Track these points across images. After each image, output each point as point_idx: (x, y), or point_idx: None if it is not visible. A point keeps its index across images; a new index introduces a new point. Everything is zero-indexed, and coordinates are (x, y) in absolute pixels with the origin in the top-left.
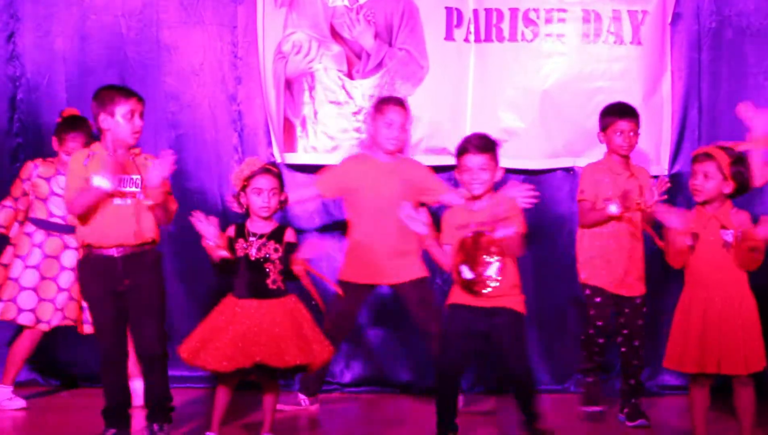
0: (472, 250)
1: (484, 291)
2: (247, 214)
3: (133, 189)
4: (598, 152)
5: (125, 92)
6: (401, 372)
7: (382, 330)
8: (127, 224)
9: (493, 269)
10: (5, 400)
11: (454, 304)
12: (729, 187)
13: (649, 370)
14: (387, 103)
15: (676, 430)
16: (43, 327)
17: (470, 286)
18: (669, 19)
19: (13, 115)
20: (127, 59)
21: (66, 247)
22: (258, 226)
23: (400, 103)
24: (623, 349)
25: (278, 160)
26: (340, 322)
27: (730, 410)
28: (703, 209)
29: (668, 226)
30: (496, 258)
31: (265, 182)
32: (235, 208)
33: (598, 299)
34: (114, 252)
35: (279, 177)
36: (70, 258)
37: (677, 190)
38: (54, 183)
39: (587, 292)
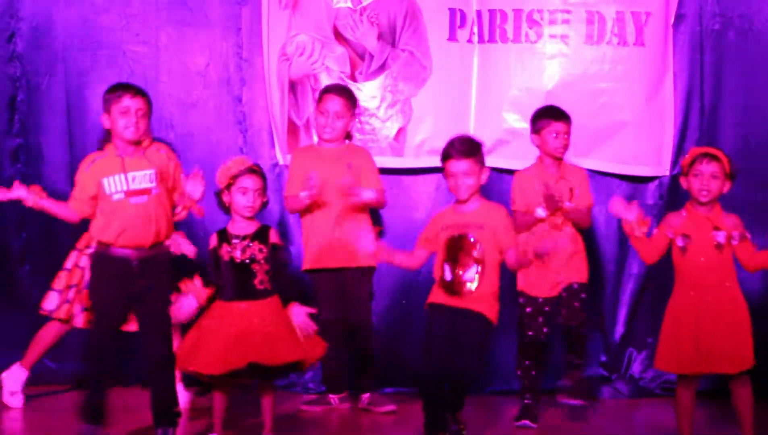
0: (455, 251)
1: (461, 291)
2: (228, 214)
3: (147, 184)
4: (602, 152)
5: (120, 89)
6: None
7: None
8: (145, 223)
9: (471, 272)
10: (9, 392)
11: (433, 303)
12: (727, 188)
13: (653, 371)
14: (324, 92)
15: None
16: (78, 323)
17: (450, 286)
18: (672, 21)
19: (14, 115)
20: (127, 60)
21: None
22: (240, 226)
23: (336, 90)
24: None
25: (281, 161)
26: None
27: (724, 414)
28: (695, 211)
29: (624, 220)
30: (476, 263)
31: (250, 182)
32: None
33: (528, 309)
34: (130, 253)
35: (264, 178)
36: None
37: (678, 191)
38: None
39: (521, 299)
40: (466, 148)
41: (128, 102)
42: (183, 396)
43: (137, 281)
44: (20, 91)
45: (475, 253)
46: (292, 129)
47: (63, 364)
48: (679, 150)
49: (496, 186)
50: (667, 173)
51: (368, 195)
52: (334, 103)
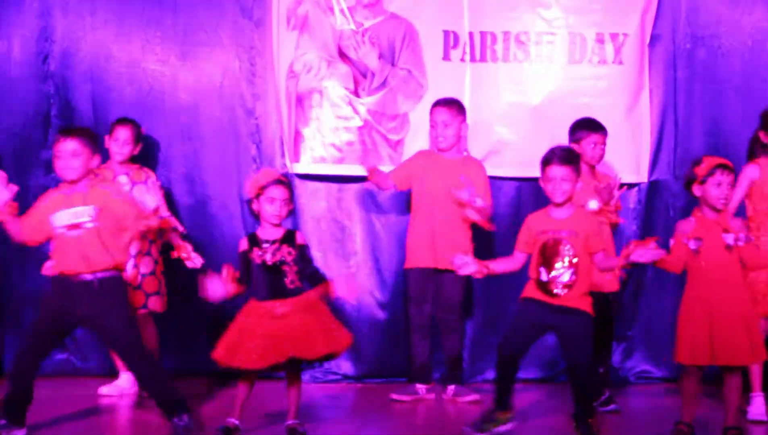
0: (550, 255)
1: (555, 291)
2: (257, 220)
3: (84, 219)
4: None
5: (59, 132)
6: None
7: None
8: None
9: (567, 276)
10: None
11: (527, 297)
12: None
13: (631, 361)
14: (432, 105)
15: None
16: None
17: (545, 287)
18: (647, 41)
19: (47, 129)
20: (147, 77)
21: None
22: (269, 232)
23: (442, 102)
24: None
25: (290, 170)
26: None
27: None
28: (705, 216)
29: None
30: (571, 267)
31: (278, 192)
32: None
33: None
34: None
35: (290, 188)
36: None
37: (655, 196)
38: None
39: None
40: (566, 155)
41: (60, 146)
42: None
43: (81, 305)
44: (53, 107)
45: (569, 258)
46: (299, 139)
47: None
48: (655, 159)
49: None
50: (646, 180)
51: (479, 204)
52: (441, 114)
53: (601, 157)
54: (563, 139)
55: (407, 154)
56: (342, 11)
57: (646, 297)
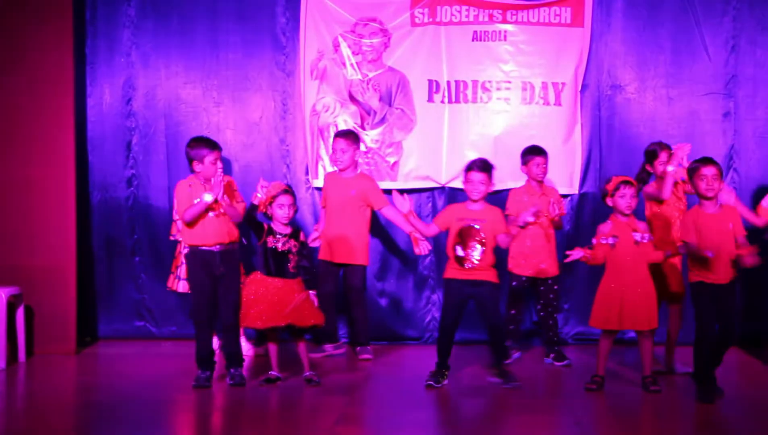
0: (464, 236)
1: (467, 266)
2: (271, 220)
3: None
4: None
5: (209, 144)
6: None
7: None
8: (220, 228)
9: (476, 252)
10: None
11: (449, 278)
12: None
13: (567, 327)
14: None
15: (591, 366)
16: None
17: (460, 261)
18: (579, 88)
19: (129, 154)
20: (207, 114)
21: None
22: (280, 228)
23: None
24: (542, 314)
25: (312, 184)
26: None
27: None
28: (618, 219)
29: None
30: (480, 244)
31: (285, 200)
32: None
33: (514, 283)
34: (214, 248)
35: (294, 195)
36: None
37: (584, 204)
38: None
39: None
40: (483, 165)
41: (216, 154)
42: (246, 347)
43: (219, 267)
44: (134, 136)
45: (480, 238)
46: (318, 161)
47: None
48: (584, 176)
49: (460, 199)
50: (577, 192)
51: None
52: (340, 143)
53: (545, 173)
54: (518, 161)
55: (401, 172)
56: (352, 65)
57: (580, 279)
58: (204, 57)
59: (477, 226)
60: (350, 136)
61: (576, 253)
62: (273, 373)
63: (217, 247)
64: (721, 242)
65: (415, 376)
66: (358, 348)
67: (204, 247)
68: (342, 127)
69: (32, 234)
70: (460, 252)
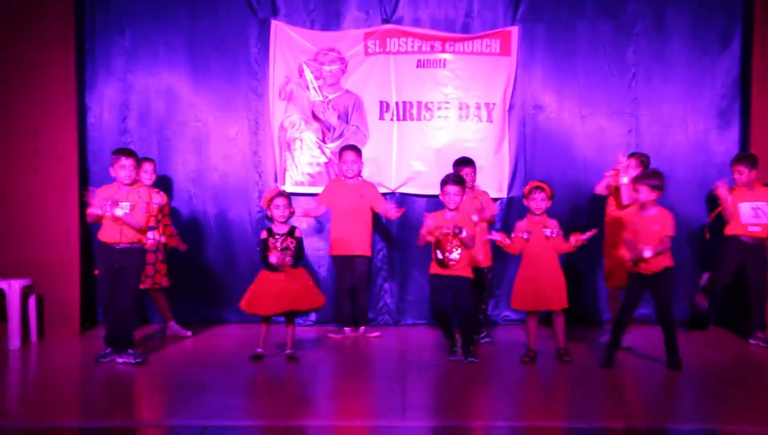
0: (443, 241)
1: (451, 265)
2: (271, 221)
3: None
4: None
5: (124, 153)
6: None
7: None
8: (119, 230)
9: (455, 254)
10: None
11: (432, 274)
12: (548, 205)
13: (498, 311)
14: (344, 150)
15: (519, 343)
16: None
17: (442, 263)
18: (507, 108)
19: None
20: (191, 130)
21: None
22: (279, 228)
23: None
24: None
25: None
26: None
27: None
28: (533, 218)
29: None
30: (457, 248)
31: (281, 202)
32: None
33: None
34: (115, 245)
35: (288, 198)
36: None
37: (512, 206)
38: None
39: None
40: (457, 179)
41: (124, 162)
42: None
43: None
44: None
45: (456, 242)
46: (285, 170)
47: None
48: (512, 183)
49: (409, 207)
50: (506, 196)
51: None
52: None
53: (473, 180)
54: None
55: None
56: (314, 88)
57: (507, 269)
58: (188, 81)
59: (457, 232)
60: (357, 150)
61: (495, 235)
62: (259, 350)
63: (118, 245)
64: (648, 238)
65: (386, 347)
66: (363, 328)
67: (107, 243)
68: (307, 141)
69: (42, 233)
70: (440, 255)
